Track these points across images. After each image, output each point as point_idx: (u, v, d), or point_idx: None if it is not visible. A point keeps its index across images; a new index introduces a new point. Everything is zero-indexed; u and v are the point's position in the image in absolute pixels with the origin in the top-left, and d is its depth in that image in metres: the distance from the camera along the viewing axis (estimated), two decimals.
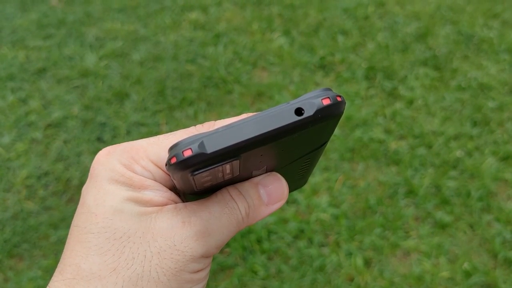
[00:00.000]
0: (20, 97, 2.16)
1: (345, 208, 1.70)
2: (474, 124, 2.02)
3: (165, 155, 0.35)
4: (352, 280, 1.51)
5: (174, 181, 0.34)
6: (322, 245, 1.60)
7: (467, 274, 1.52)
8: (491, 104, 2.10)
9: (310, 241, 1.61)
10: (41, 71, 2.30)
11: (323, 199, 1.72)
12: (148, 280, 0.33)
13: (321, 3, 2.75)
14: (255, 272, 1.53)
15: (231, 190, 0.37)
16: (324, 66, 2.32)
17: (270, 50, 2.40)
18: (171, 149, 0.31)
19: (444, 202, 1.72)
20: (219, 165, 0.31)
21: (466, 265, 1.54)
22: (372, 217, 1.68)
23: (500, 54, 2.38)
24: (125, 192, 0.35)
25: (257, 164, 0.35)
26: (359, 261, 1.54)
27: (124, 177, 0.35)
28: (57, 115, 2.06)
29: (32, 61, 2.36)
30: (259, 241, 1.60)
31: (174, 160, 0.30)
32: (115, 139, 1.95)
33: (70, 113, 2.07)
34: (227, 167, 0.32)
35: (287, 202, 1.73)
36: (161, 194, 0.36)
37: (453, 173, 1.82)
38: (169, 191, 0.37)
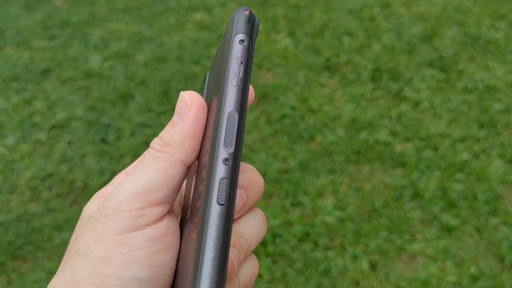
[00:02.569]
0: (24, 98, 2.15)
1: (351, 211, 1.69)
2: (481, 126, 2.01)
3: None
4: (357, 284, 1.50)
5: None
6: (327, 248, 1.59)
7: (474, 278, 1.50)
8: (497, 106, 2.09)
9: (315, 244, 1.60)
10: (46, 72, 2.30)
11: (328, 201, 1.71)
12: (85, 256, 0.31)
13: (326, 4, 2.73)
14: (259, 276, 1.52)
15: None
16: (329, 68, 2.30)
17: (275, 51, 2.39)
18: None
19: (451, 205, 1.70)
20: None
21: (472, 269, 1.52)
22: (377, 220, 1.66)
23: (506, 55, 2.36)
24: None
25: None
26: (365, 265, 1.53)
27: None
28: (61, 116, 2.05)
29: (37, 62, 2.35)
30: (263, 244, 1.59)
31: None
32: (119, 140, 1.95)
33: (74, 114, 2.07)
34: None
35: (292, 204, 1.72)
36: None
37: (459, 176, 1.80)
38: None
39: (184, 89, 2.17)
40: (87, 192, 1.76)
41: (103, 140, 1.96)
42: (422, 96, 2.13)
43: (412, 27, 2.55)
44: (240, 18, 0.33)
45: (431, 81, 2.21)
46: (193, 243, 0.29)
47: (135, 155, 1.88)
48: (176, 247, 0.32)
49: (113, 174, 1.82)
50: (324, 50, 2.39)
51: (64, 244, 1.61)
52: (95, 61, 2.34)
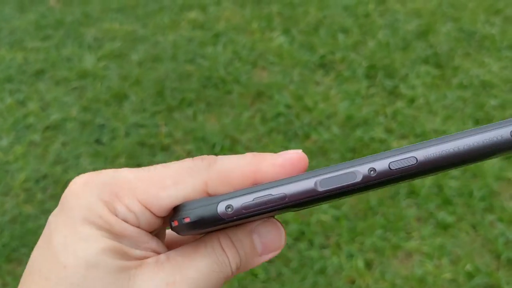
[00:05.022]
0: (18, 99, 2.14)
1: (346, 210, 1.68)
2: (476, 122, 2.00)
3: (155, 193, 0.31)
4: (353, 282, 1.50)
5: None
6: (323, 247, 1.59)
7: (470, 276, 1.50)
8: (493, 102, 2.08)
9: (311, 243, 1.59)
10: (39, 73, 2.29)
11: None
12: None
13: (321, 1, 2.72)
14: (255, 275, 1.51)
15: (223, 240, 0.33)
16: (324, 65, 2.30)
17: (270, 49, 2.38)
18: (178, 211, 0.31)
19: (446, 202, 1.70)
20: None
21: (468, 267, 1.52)
22: (373, 218, 1.66)
23: (502, 51, 2.35)
24: (102, 241, 0.30)
25: None
26: (360, 263, 1.53)
27: (102, 220, 0.30)
28: (56, 117, 2.04)
29: (30, 63, 2.34)
30: None
31: (183, 223, 0.30)
32: (114, 140, 1.94)
33: (69, 115, 2.06)
34: None
35: None
36: (143, 245, 0.32)
37: (455, 172, 1.80)
38: (153, 238, 0.33)
39: (178, 89, 2.17)
40: None
41: (98, 141, 1.95)
42: (417, 92, 2.13)
43: (407, 23, 2.54)
44: None
45: (426, 77, 2.21)
46: None
47: (130, 156, 1.87)
48: None
49: None
50: (319, 47, 2.38)
51: None
52: (89, 61, 2.33)
